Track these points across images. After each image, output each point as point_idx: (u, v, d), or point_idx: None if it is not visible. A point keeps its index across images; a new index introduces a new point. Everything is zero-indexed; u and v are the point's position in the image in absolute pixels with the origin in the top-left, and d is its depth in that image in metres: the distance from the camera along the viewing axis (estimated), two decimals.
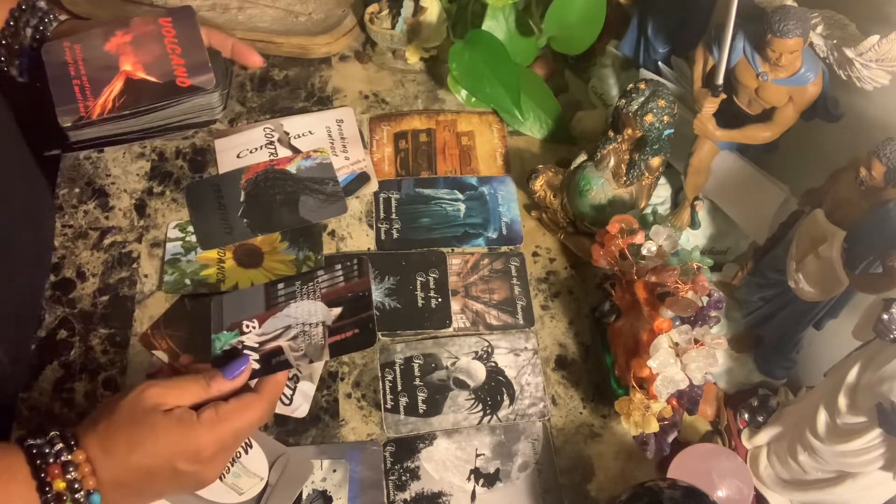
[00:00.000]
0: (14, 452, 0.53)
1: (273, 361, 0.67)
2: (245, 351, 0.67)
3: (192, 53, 0.76)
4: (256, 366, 0.64)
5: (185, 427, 0.56)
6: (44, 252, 0.78)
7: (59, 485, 0.53)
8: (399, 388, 0.74)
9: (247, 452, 0.67)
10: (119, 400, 0.57)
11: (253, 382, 0.63)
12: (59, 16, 0.78)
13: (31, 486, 0.53)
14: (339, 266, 0.73)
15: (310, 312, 0.70)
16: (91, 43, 0.75)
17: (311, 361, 0.67)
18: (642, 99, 0.71)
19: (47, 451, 0.53)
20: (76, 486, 0.53)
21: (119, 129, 0.78)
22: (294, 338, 0.68)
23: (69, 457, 0.53)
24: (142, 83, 0.74)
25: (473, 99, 0.90)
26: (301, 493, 0.68)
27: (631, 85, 0.72)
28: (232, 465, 0.66)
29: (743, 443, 0.71)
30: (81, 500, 0.53)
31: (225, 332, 0.69)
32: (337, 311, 0.70)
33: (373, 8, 0.94)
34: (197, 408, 0.58)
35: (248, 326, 0.69)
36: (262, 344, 0.68)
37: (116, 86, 0.73)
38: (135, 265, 0.79)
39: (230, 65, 0.85)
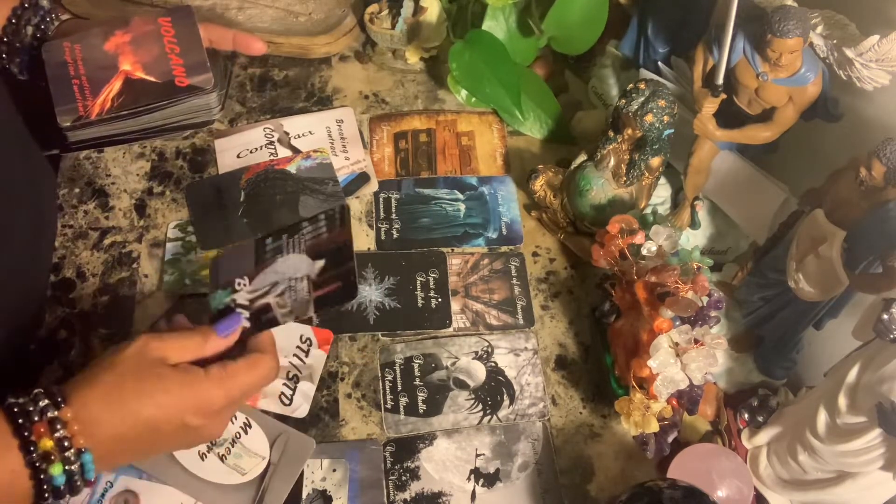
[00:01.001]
0: None
1: (262, 318, 0.67)
2: (237, 309, 0.67)
3: (190, 53, 0.76)
4: (247, 324, 0.64)
5: (194, 380, 0.55)
6: (46, 251, 0.78)
7: (47, 443, 0.50)
8: (399, 388, 0.74)
9: (246, 433, 0.68)
10: (118, 353, 0.55)
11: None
12: (61, 15, 0.78)
13: (14, 446, 0.50)
14: (322, 216, 0.73)
15: (295, 267, 0.71)
16: (90, 42, 0.75)
17: (298, 318, 0.67)
18: (642, 99, 0.71)
19: (31, 409, 0.50)
20: (66, 444, 0.50)
21: (117, 130, 0.78)
22: (281, 294, 0.69)
23: (56, 413, 0.51)
24: (141, 83, 0.74)
25: (473, 99, 0.90)
26: (301, 492, 0.68)
27: (631, 85, 0.72)
28: (232, 446, 0.67)
29: (743, 443, 0.71)
30: (72, 458, 0.51)
31: (220, 290, 0.69)
32: (320, 263, 0.70)
33: (373, 8, 0.94)
34: (198, 365, 0.57)
35: (239, 284, 0.69)
36: (252, 301, 0.68)
37: (115, 85, 0.73)
38: (135, 265, 0.79)
39: (230, 66, 0.85)
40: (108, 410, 0.52)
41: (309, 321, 0.76)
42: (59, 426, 0.50)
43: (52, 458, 0.50)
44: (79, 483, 0.52)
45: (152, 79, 0.74)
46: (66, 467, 0.51)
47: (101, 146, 0.81)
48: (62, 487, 0.51)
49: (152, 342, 0.56)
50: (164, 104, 0.76)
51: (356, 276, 0.69)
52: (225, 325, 0.61)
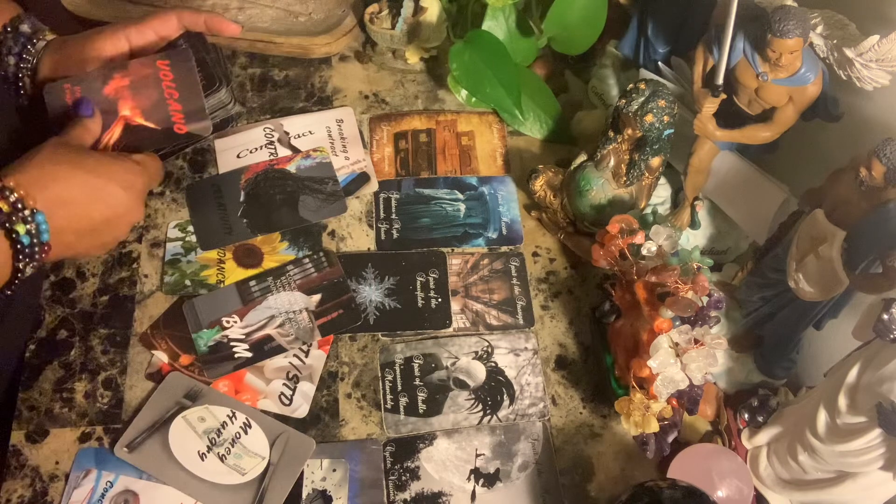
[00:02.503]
0: None
1: (265, 348, 0.72)
2: (232, 342, 0.72)
3: (189, 99, 0.74)
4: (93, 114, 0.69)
5: (117, 156, 0.66)
6: None
7: (3, 206, 0.56)
8: (399, 388, 0.74)
9: (246, 433, 0.69)
10: (38, 148, 0.61)
11: None
12: (46, 37, 0.75)
13: None
14: (307, 260, 0.79)
15: (290, 302, 0.76)
16: (90, 86, 0.73)
17: (305, 343, 0.73)
18: (642, 99, 0.71)
19: None
20: (19, 205, 0.57)
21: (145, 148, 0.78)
22: (281, 325, 0.74)
23: (1, 183, 0.56)
24: (140, 129, 0.73)
25: (473, 99, 0.90)
26: (301, 491, 0.68)
27: (631, 85, 0.72)
28: (232, 446, 0.67)
29: (743, 443, 0.71)
30: (28, 217, 0.57)
31: (205, 329, 0.73)
32: (317, 297, 0.76)
33: (373, 8, 0.94)
34: None
35: (228, 322, 0.74)
36: (248, 335, 0.73)
37: (116, 131, 0.72)
38: (135, 265, 0.79)
39: (225, 56, 0.85)
40: (48, 176, 0.59)
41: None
42: (7, 192, 0.56)
43: (14, 218, 0.56)
44: (37, 247, 0.58)
45: (151, 125, 0.73)
46: (26, 226, 0.57)
47: None
48: (27, 248, 0.58)
49: (62, 138, 0.64)
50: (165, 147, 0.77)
51: (357, 304, 0.76)
52: (83, 108, 0.68)
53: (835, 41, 0.64)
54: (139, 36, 0.76)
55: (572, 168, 0.80)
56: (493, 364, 0.76)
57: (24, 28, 0.74)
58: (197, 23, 0.79)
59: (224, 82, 0.78)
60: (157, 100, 0.73)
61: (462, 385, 0.75)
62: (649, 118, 0.71)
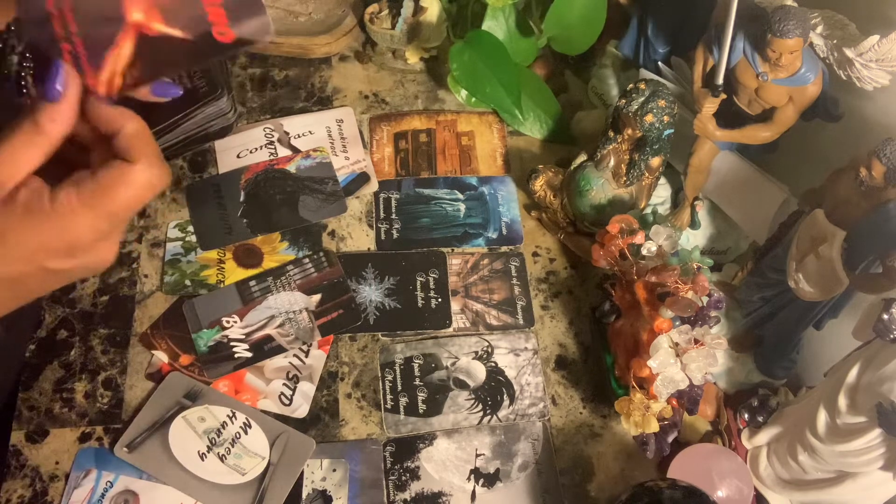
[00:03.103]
0: None
1: (265, 348, 0.72)
2: (232, 342, 0.71)
3: None
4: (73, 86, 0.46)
5: (36, 219, 0.42)
6: None
7: None
8: (399, 388, 0.74)
9: (246, 433, 0.69)
10: None
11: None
12: None
13: None
14: (307, 260, 0.78)
15: (290, 302, 0.75)
16: None
17: (305, 343, 0.72)
18: (642, 99, 0.71)
19: None
20: None
21: None
22: (281, 325, 0.73)
23: None
24: (162, 42, 0.45)
25: (473, 99, 0.90)
26: (301, 491, 0.68)
27: (631, 85, 0.72)
28: (232, 446, 0.67)
29: (743, 443, 0.71)
30: None
31: (205, 329, 0.73)
32: (317, 297, 0.75)
33: (373, 8, 0.94)
34: (52, 175, 0.43)
35: (228, 322, 0.73)
36: (248, 335, 0.72)
37: (124, 48, 0.46)
38: (135, 265, 0.79)
39: (228, 65, 0.85)
40: None
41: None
42: None
43: None
44: None
45: (178, 33, 0.45)
46: None
47: None
48: None
49: None
50: (178, 121, 0.74)
51: (357, 304, 0.75)
52: (50, 81, 0.45)
53: (835, 41, 0.64)
54: None
55: (572, 168, 0.80)
56: (493, 364, 0.76)
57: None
58: None
59: (226, 90, 0.78)
60: None
61: (462, 385, 0.75)
62: (649, 118, 0.71)
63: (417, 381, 0.74)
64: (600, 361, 0.74)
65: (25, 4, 0.50)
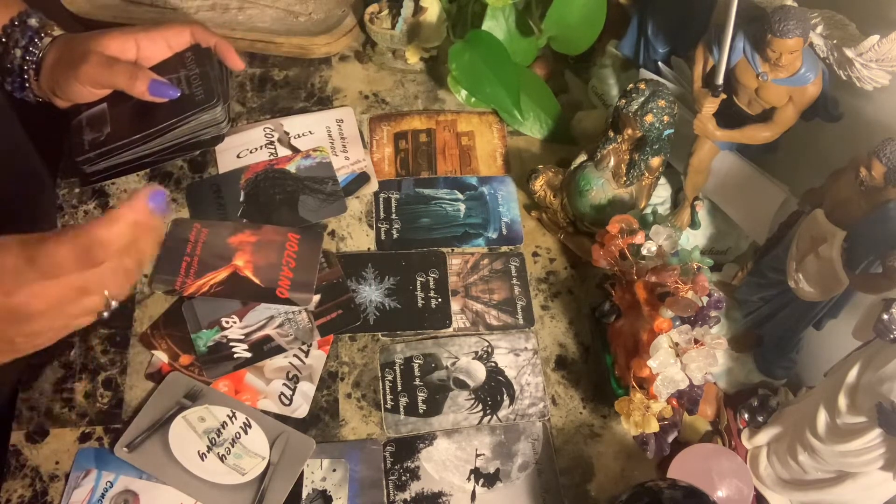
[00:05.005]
0: None
1: (265, 348, 0.72)
2: (231, 342, 0.72)
3: (304, 272, 0.76)
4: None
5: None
6: None
7: None
8: (399, 388, 0.74)
9: (246, 433, 0.69)
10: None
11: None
12: (52, 32, 0.75)
13: None
14: None
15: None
16: (219, 231, 0.77)
17: (304, 343, 0.73)
18: (642, 99, 0.71)
19: None
20: None
21: (132, 156, 0.79)
22: (280, 325, 0.74)
23: None
24: (245, 281, 0.75)
25: (473, 99, 0.90)
26: (301, 491, 0.68)
27: (631, 85, 0.72)
28: (232, 446, 0.67)
29: (743, 443, 0.71)
30: None
31: (205, 329, 0.73)
32: (316, 298, 0.76)
33: (373, 8, 0.94)
34: None
35: (227, 322, 0.74)
36: (247, 335, 0.73)
37: (221, 275, 0.74)
38: None
39: (227, 71, 0.85)
40: None
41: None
42: None
43: None
44: None
45: (257, 281, 0.75)
46: None
47: (117, 175, 0.82)
48: None
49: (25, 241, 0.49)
50: (173, 125, 0.76)
51: (356, 305, 0.76)
52: (156, 200, 0.52)
53: (835, 41, 0.64)
54: (150, 43, 0.77)
55: (572, 168, 0.80)
56: (493, 364, 0.76)
57: (32, 22, 0.74)
58: (208, 42, 0.81)
59: (221, 100, 0.79)
60: (274, 263, 0.76)
61: (462, 385, 0.75)
62: (649, 118, 0.71)
63: (417, 382, 0.74)
64: (600, 361, 0.74)
65: (175, 229, 0.77)
